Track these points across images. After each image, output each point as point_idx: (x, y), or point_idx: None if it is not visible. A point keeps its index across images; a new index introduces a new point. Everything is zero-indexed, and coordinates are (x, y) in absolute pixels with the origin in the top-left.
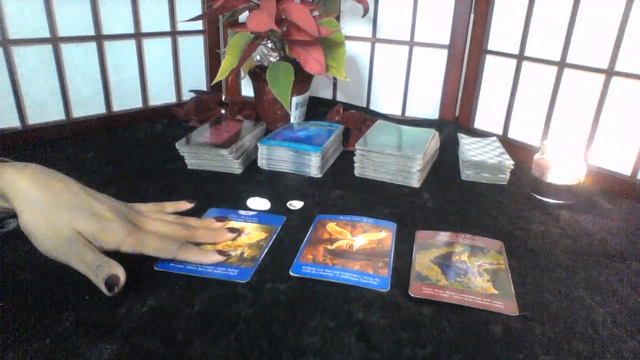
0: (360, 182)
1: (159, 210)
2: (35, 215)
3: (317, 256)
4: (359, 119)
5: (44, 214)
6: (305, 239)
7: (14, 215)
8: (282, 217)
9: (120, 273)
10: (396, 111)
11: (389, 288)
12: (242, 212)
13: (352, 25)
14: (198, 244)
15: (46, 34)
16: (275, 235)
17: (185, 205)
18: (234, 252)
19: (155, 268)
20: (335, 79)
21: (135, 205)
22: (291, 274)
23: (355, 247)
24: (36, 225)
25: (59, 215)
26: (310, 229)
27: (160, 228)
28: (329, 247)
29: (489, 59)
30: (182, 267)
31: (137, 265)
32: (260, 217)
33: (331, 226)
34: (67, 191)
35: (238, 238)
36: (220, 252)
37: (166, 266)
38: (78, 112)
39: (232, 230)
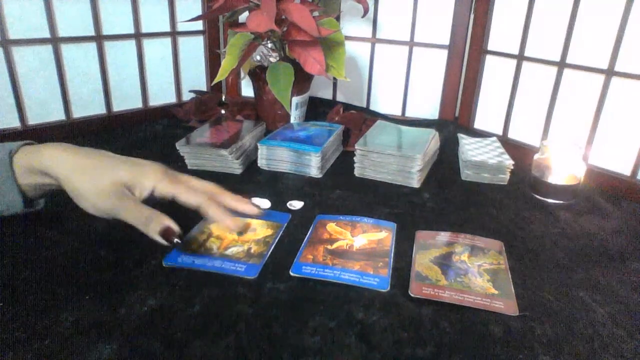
0: (360, 182)
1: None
2: (81, 177)
3: (317, 256)
4: (359, 119)
5: (88, 174)
6: (305, 239)
7: (45, 194)
8: (287, 215)
9: (171, 223)
10: (396, 111)
11: (388, 288)
12: None
13: (352, 25)
14: None
15: (46, 34)
16: (281, 232)
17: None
18: (241, 247)
19: (164, 264)
20: (335, 79)
21: None
22: (291, 273)
23: (355, 247)
24: (83, 185)
25: (101, 172)
26: (311, 229)
27: (192, 182)
28: (329, 247)
29: (489, 59)
30: (190, 262)
31: (138, 264)
32: (266, 214)
33: (331, 226)
34: (103, 155)
35: (245, 234)
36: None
37: (174, 261)
38: (78, 112)
39: (257, 206)
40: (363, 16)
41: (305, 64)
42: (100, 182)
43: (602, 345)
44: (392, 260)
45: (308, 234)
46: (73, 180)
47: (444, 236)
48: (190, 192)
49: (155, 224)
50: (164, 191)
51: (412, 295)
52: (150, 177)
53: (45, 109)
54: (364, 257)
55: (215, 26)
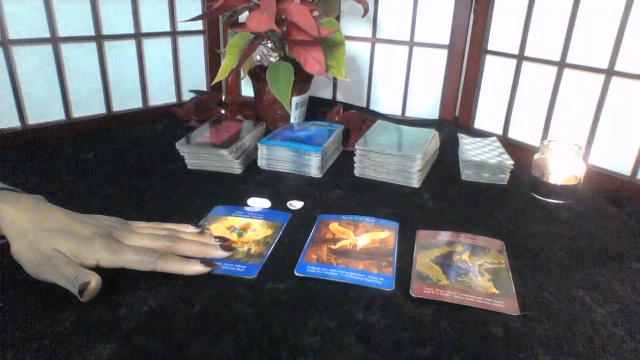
0: (360, 182)
1: (153, 227)
2: (21, 242)
3: (321, 256)
4: (359, 119)
5: (28, 239)
6: (309, 238)
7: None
8: (287, 214)
9: (94, 280)
10: (396, 111)
11: (393, 287)
12: (247, 208)
13: (352, 25)
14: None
15: (46, 34)
16: (281, 232)
17: (189, 229)
18: (241, 248)
19: None
20: (335, 79)
21: (132, 223)
22: (296, 273)
23: (359, 246)
24: (22, 251)
25: (40, 238)
26: (313, 228)
27: (142, 242)
28: (333, 246)
29: (489, 59)
30: None
31: None
32: (266, 213)
33: (334, 226)
34: (51, 218)
35: (244, 234)
36: (203, 262)
37: None
38: (78, 112)
39: (227, 248)
40: (363, 16)
41: (305, 64)
42: (35, 249)
43: (602, 345)
44: (395, 259)
45: (311, 233)
46: (14, 246)
47: (444, 236)
48: (136, 260)
49: (79, 283)
50: (109, 264)
51: (413, 295)
52: (91, 253)
53: (45, 109)
54: (367, 256)
55: (215, 26)
